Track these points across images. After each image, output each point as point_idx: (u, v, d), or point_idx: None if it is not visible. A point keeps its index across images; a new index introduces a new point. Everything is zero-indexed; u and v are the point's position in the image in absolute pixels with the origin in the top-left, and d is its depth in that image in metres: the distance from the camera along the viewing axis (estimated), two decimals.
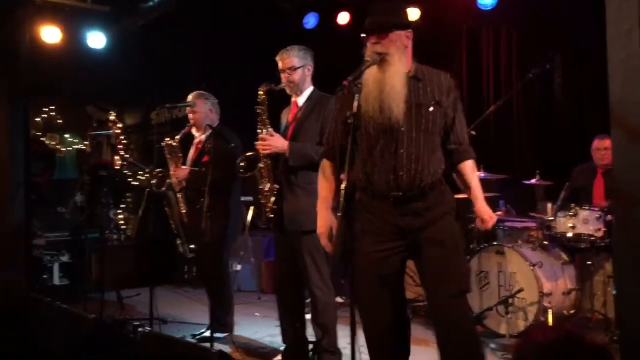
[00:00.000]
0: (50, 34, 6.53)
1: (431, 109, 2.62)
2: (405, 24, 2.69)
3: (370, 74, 2.59)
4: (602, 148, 4.85)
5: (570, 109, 5.66)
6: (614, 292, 4.18)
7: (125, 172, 7.71)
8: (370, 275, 2.67)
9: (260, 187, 3.66)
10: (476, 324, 2.89)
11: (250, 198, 4.54)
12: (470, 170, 2.82)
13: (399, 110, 2.55)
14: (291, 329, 3.77)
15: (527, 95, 5.90)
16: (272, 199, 3.63)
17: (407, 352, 2.80)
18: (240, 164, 3.74)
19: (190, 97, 4.52)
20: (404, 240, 2.66)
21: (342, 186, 2.38)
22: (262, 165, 3.63)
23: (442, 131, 2.71)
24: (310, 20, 6.69)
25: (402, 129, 2.58)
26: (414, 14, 6.10)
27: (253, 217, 5.49)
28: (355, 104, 2.49)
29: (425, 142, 2.62)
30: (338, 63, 5.10)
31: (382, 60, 2.59)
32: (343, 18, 6.56)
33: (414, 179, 2.59)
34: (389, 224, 2.65)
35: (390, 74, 2.57)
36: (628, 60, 2.55)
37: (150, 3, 6.86)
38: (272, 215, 3.64)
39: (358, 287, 2.69)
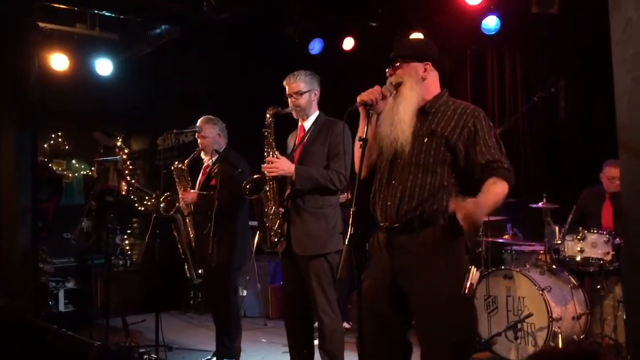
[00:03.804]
0: (59, 61, 6.62)
1: (425, 139, 2.54)
2: (418, 55, 2.65)
3: (388, 104, 2.60)
4: (616, 177, 4.64)
5: (575, 133, 5.66)
6: (624, 316, 4.14)
7: (131, 197, 7.73)
8: (369, 311, 2.55)
9: (265, 209, 3.67)
10: None
11: (256, 223, 4.53)
12: (487, 185, 2.45)
13: (405, 140, 2.52)
14: (299, 355, 3.73)
15: (533, 119, 5.91)
16: (278, 222, 3.63)
17: None
18: (246, 186, 3.75)
19: (198, 122, 4.56)
20: (395, 278, 2.54)
21: (352, 210, 2.37)
22: (268, 188, 3.64)
23: (450, 165, 2.52)
24: (316, 46, 6.74)
25: (399, 161, 2.57)
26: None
27: (258, 241, 5.48)
28: (365, 129, 2.51)
29: (416, 173, 2.52)
30: (343, 88, 5.14)
31: (396, 90, 2.60)
32: (348, 44, 6.61)
33: (398, 211, 2.52)
34: (382, 259, 2.60)
35: (399, 104, 2.57)
36: (634, 85, 2.56)
37: (157, 30, 6.94)
38: (276, 239, 3.63)
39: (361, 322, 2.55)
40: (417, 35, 6.13)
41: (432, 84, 2.67)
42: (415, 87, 2.59)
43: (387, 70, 2.68)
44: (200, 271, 4.54)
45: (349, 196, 5.46)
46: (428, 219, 2.50)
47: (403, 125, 2.53)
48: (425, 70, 2.64)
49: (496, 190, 2.46)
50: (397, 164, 2.58)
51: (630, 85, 2.57)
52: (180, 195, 4.50)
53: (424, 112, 2.60)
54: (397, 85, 2.60)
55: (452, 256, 2.49)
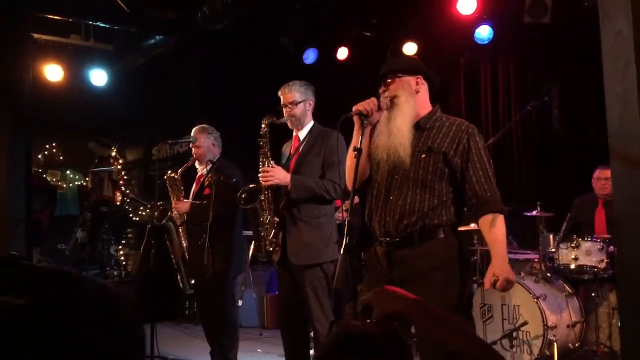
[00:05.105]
0: (53, 72, 6.62)
1: (423, 155, 2.58)
2: (408, 69, 2.70)
3: (382, 119, 2.63)
4: (602, 178, 4.83)
5: (569, 141, 5.69)
6: (619, 323, 4.14)
7: (126, 208, 7.72)
8: None
9: (261, 219, 3.67)
10: None
11: (251, 232, 4.53)
12: (487, 226, 2.54)
13: (404, 153, 2.55)
14: None
15: (526, 127, 5.95)
16: (273, 231, 3.63)
17: None
18: (242, 195, 3.75)
19: (193, 132, 4.56)
20: None
21: (347, 220, 2.37)
22: (264, 198, 3.64)
23: (448, 180, 2.58)
24: (310, 56, 6.77)
25: (396, 176, 2.59)
26: (411, 48, 6.20)
27: (254, 250, 5.46)
28: (360, 138, 2.54)
29: (415, 189, 2.56)
30: (338, 97, 5.16)
31: (391, 104, 2.63)
32: (342, 53, 6.64)
33: (398, 225, 2.55)
34: (380, 272, 2.62)
35: (395, 116, 2.60)
36: (625, 95, 2.58)
37: (152, 41, 6.95)
38: (271, 249, 3.63)
39: None
40: (410, 45, 6.19)
41: (424, 98, 2.72)
42: (410, 100, 2.63)
43: (379, 89, 2.71)
44: (193, 282, 4.52)
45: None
46: (429, 232, 2.54)
47: (401, 137, 2.55)
48: (417, 83, 2.68)
49: (499, 234, 2.54)
50: (394, 179, 2.60)
51: (621, 95, 2.60)
52: (173, 205, 4.49)
53: (419, 127, 2.64)
54: (392, 99, 2.63)
55: (451, 269, 2.53)
